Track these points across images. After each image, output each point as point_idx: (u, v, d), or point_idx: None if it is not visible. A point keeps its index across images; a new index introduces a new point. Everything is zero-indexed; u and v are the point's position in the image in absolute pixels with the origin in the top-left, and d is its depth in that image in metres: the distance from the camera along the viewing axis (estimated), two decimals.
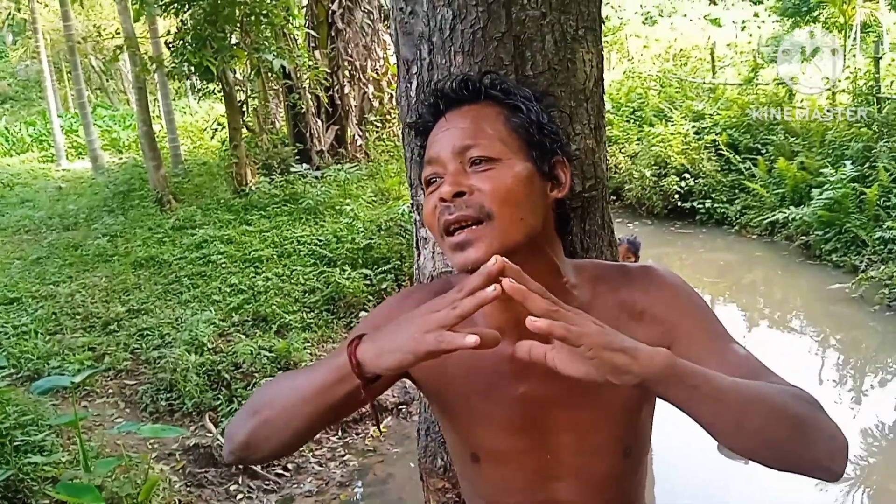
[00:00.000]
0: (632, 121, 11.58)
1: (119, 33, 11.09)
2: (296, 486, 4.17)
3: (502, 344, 0.92)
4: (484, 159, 0.92)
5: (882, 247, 6.95)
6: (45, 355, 5.01)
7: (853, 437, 4.45)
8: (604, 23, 1.24)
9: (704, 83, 12.28)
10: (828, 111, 9.30)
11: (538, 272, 0.86)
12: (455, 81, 0.98)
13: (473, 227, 0.90)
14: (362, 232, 6.99)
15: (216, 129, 10.64)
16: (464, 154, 0.92)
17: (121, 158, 13.96)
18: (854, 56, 13.41)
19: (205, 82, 9.16)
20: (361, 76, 10.70)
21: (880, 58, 8.99)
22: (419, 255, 1.31)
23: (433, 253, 1.27)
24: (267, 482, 4.16)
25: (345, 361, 0.87)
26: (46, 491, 3.52)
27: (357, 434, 4.70)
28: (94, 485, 3.12)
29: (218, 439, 4.38)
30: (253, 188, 8.74)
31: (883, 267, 6.65)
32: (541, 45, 1.12)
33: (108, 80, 25.12)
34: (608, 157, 1.31)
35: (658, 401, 0.93)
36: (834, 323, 6.58)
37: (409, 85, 1.21)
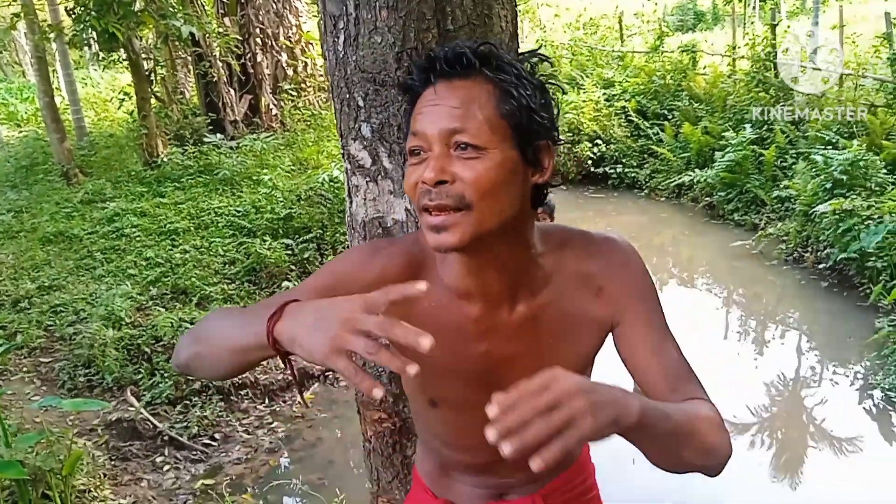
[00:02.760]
0: None
1: (15, 1, 10.49)
2: (224, 454, 4.18)
3: (468, 306, 1.04)
4: (470, 146, 0.92)
5: (779, 205, 7.39)
6: None
7: (756, 387, 4.74)
8: None
9: (613, 51, 12.58)
10: (728, 77, 9.74)
11: (509, 249, 0.95)
12: (448, 50, 0.96)
13: (451, 212, 0.92)
14: (282, 202, 6.95)
15: (122, 100, 10.25)
16: (450, 137, 0.92)
17: (21, 132, 13.31)
18: (753, 23, 13.99)
19: (108, 51, 8.80)
20: (274, 44, 10.49)
21: (776, 25, 9.43)
22: (351, 202, 1.37)
23: (364, 200, 1.34)
24: (194, 452, 4.16)
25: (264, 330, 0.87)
26: None
27: (284, 402, 4.74)
28: (16, 460, 3.09)
29: (141, 412, 4.35)
30: (165, 159, 8.52)
31: (780, 224, 7.08)
32: (460, 1, 1.20)
33: (1, 51, 23.69)
34: None
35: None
36: (737, 278, 6.97)
37: (336, 39, 1.27)
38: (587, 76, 11.53)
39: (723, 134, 8.49)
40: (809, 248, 6.61)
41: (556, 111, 1.06)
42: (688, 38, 13.56)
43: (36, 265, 6.09)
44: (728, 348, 5.34)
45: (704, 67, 10.49)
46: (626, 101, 10.42)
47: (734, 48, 10.51)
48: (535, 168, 0.99)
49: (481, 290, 1.03)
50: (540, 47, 12.97)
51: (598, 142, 10.06)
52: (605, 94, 10.67)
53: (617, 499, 3.30)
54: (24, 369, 4.73)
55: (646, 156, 9.91)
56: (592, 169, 10.08)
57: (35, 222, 7.07)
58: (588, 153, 9.98)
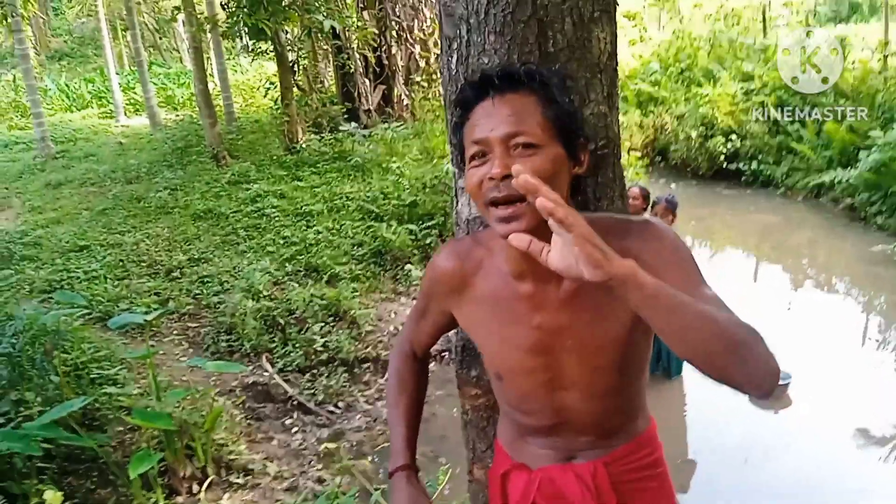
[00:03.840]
0: (680, 81, 11.50)
1: None
2: (346, 422, 4.50)
3: (522, 284, 1.23)
4: (528, 145, 1.09)
5: None
6: (115, 298, 5.40)
7: (894, 399, 4.54)
8: (618, 5, 1.44)
9: (755, 44, 12.07)
10: (879, 73, 9.15)
11: None
12: (500, 70, 1.14)
13: (518, 203, 1.08)
14: (408, 189, 7.23)
15: (269, 89, 10.90)
16: (509, 140, 1.09)
17: (177, 115, 14.34)
18: None
19: (257, 43, 9.40)
20: (408, 36, 10.82)
21: None
22: (457, 202, 1.55)
23: (469, 201, 1.50)
24: (319, 417, 4.49)
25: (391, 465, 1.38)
26: (121, 418, 3.89)
27: None
28: (166, 412, 3.47)
29: (274, 378, 4.73)
30: (303, 146, 9.02)
31: None
32: (561, 26, 1.32)
33: (160, 39, 25.50)
34: (620, 120, 1.51)
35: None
36: (877, 285, 6.62)
37: (449, 59, 1.44)
38: (725, 69, 11.14)
39: (869, 133, 8.02)
40: None
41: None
42: (840, 29, 12.77)
43: (187, 239, 6.66)
44: (867, 357, 5.11)
45: (853, 62, 9.90)
46: (765, 95, 10.01)
47: (886, 43, 9.84)
48: (575, 162, 1.16)
49: (534, 270, 1.17)
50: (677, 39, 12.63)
51: (733, 136, 9.75)
52: (742, 87, 10.29)
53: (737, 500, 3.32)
54: (175, 332, 5.22)
55: (783, 153, 9.50)
56: (725, 165, 9.78)
57: (187, 200, 7.70)
58: (721, 148, 9.69)
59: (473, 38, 1.37)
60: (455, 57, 1.41)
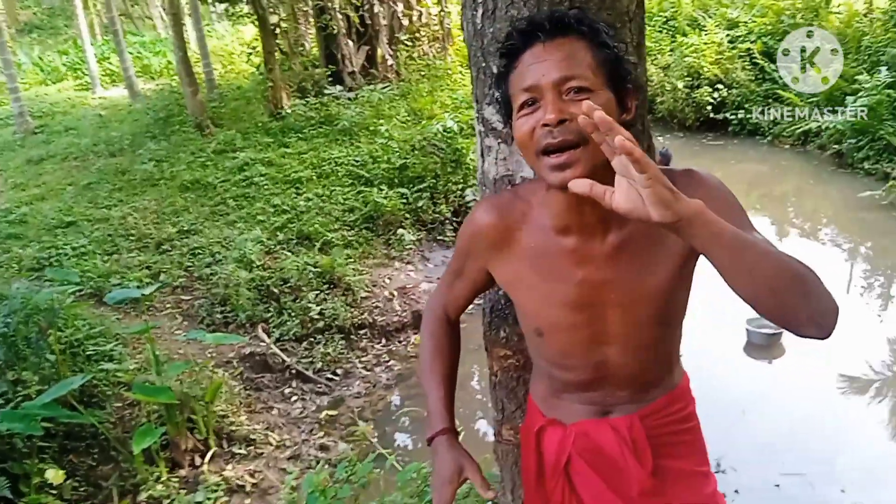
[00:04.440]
0: (664, 31, 11.38)
1: None
2: (345, 388, 4.52)
3: (565, 239, 1.20)
4: (582, 89, 1.06)
5: None
6: (106, 274, 5.36)
7: (880, 343, 4.61)
8: None
9: None
10: (864, 15, 9.09)
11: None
12: (549, 15, 1.10)
13: (572, 150, 1.05)
14: (397, 152, 7.17)
15: (250, 54, 10.72)
16: (562, 85, 1.06)
17: (156, 85, 14.08)
18: None
19: (234, 5, 9.21)
20: None
21: None
22: (483, 161, 1.51)
23: (496, 160, 1.47)
24: (318, 385, 4.51)
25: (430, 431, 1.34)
26: (120, 394, 3.90)
27: (400, 342, 5.02)
28: (166, 386, 3.47)
29: (271, 348, 4.73)
30: (288, 111, 8.90)
31: None
32: None
33: (132, 6, 24.92)
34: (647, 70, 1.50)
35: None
36: (864, 230, 6.67)
37: (474, 13, 1.39)
38: (710, 16, 11.03)
39: (856, 77, 7.99)
40: None
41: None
42: None
43: (176, 211, 6.60)
44: (851, 303, 5.15)
45: (838, 5, 9.82)
46: (751, 42, 9.93)
47: None
48: (623, 109, 1.13)
49: (578, 223, 1.17)
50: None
51: (720, 86, 9.69)
52: (728, 35, 10.20)
53: (734, 457, 3.39)
54: (168, 306, 5.20)
55: (770, 101, 9.47)
56: (712, 115, 9.74)
57: (173, 171, 7.59)
58: (708, 98, 9.64)
59: None
60: (481, 11, 1.37)
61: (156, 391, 3.43)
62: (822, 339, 1.03)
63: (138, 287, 4.82)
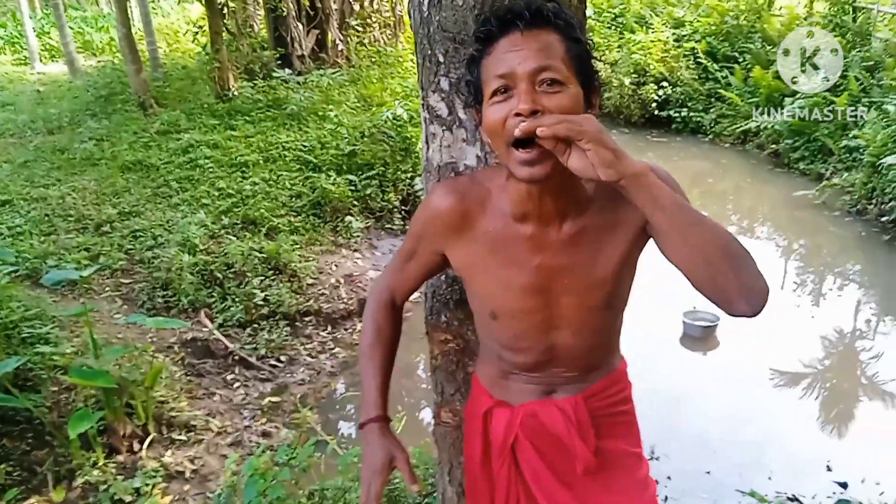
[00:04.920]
0: (612, 27, 11.55)
1: None
2: (289, 375, 4.49)
3: (525, 226, 1.25)
4: (555, 81, 1.09)
5: (847, 155, 7.22)
6: (42, 255, 5.20)
7: (811, 339, 4.79)
8: None
9: None
10: (804, 19, 9.39)
11: (566, 175, 1.08)
12: (528, 5, 1.12)
13: (541, 147, 1.06)
14: (346, 138, 7.12)
15: (196, 33, 10.47)
16: (537, 75, 1.08)
17: (98, 62, 13.68)
18: None
19: None
20: None
21: None
22: (428, 148, 1.53)
23: (440, 147, 1.49)
24: (262, 371, 4.48)
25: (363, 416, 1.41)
26: (56, 377, 3.81)
27: (345, 329, 5.02)
28: (104, 370, 3.41)
29: (214, 334, 4.68)
30: (235, 93, 8.75)
31: (846, 174, 6.95)
32: None
33: None
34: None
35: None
36: (798, 229, 6.91)
37: (421, 1, 1.41)
38: (657, 14, 11.23)
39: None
40: (874, 200, 6.50)
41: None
42: None
43: (116, 192, 6.43)
44: (785, 299, 5.35)
45: (780, 8, 10.11)
46: (696, 42, 10.16)
47: None
48: (588, 105, 1.17)
49: (537, 212, 1.22)
50: None
51: (665, 84, 9.88)
52: (674, 34, 10.41)
53: (667, 445, 3.49)
54: (108, 289, 5.08)
55: (713, 100, 9.72)
56: (656, 112, 9.94)
57: (114, 151, 7.39)
58: (653, 95, 9.83)
59: None
60: None
61: (93, 375, 3.36)
62: (751, 316, 1.08)
63: (76, 269, 4.70)
